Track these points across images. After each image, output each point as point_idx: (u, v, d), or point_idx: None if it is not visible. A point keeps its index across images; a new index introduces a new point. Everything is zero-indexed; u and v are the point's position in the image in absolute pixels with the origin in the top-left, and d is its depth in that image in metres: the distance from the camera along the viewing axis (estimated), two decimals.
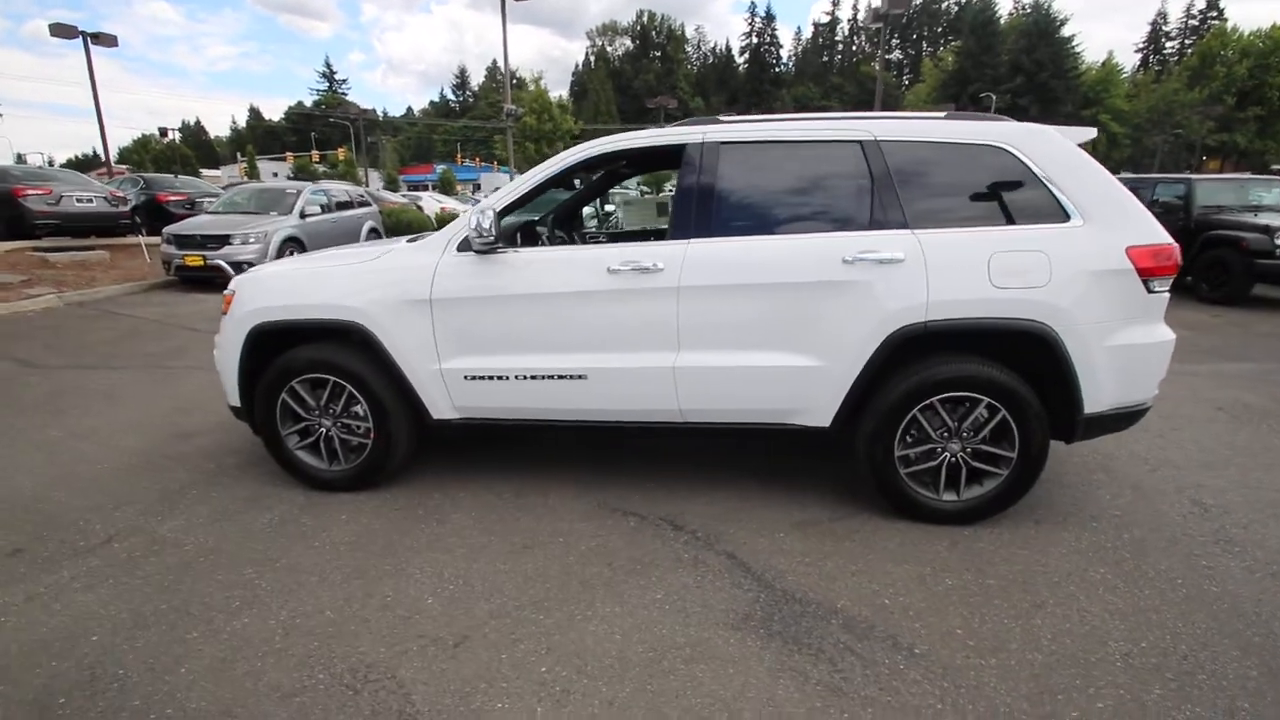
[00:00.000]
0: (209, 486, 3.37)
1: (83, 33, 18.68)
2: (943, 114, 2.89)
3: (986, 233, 2.68)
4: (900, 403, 2.76)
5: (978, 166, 2.75)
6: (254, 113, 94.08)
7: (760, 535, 2.82)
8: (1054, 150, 2.73)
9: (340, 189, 13.28)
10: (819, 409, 2.84)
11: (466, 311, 2.93)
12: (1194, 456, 3.69)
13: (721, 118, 2.96)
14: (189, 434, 4.12)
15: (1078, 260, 2.63)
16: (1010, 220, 2.71)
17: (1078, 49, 56.40)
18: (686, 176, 2.87)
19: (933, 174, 2.76)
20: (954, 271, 2.64)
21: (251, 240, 10.10)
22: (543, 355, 2.92)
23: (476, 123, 73.60)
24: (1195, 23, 68.83)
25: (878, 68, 50.46)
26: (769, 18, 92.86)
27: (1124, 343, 2.68)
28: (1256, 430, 4.11)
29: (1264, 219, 8.51)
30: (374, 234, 13.33)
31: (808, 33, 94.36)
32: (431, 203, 23.15)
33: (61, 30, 18.56)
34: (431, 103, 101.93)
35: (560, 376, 2.92)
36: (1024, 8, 63.23)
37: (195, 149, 78.89)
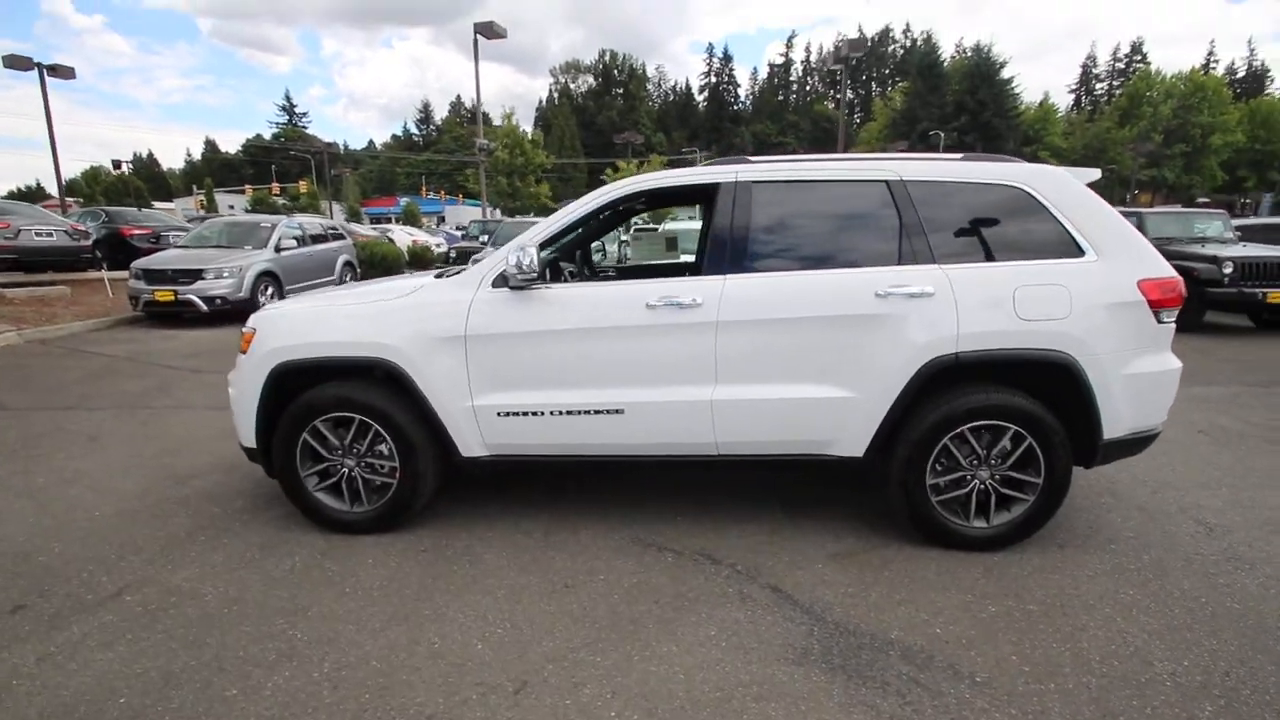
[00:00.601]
0: (218, 532, 3.22)
1: (39, 64, 18.17)
2: (959, 155, 3.05)
3: (1009, 267, 2.81)
4: (931, 432, 2.83)
5: (997, 205, 2.90)
6: (210, 145, 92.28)
7: (799, 568, 2.83)
8: (1066, 189, 2.90)
9: (315, 222, 13.11)
10: (852, 439, 2.89)
11: (502, 347, 2.92)
12: (1188, 478, 3.86)
13: (750, 158, 3.06)
14: (185, 477, 3.95)
15: (1095, 293, 2.77)
16: (1030, 256, 2.85)
17: (1017, 90, 59.80)
18: (720, 214, 2.94)
19: (956, 212, 2.90)
20: (981, 305, 2.76)
21: (226, 275, 9.85)
22: (580, 390, 2.92)
23: (441, 156, 73.74)
24: (1122, 65, 73.95)
25: (832, 107, 52.57)
26: (726, 58, 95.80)
27: (1139, 371, 2.83)
28: (1237, 451, 4.33)
29: (1210, 249, 9.08)
30: (349, 268, 13.15)
31: (764, 73, 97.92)
32: (403, 235, 22.98)
33: (16, 62, 18.03)
34: (394, 136, 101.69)
35: (597, 412, 2.92)
36: (965, 51, 66.98)
37: (148, 181, 76.77)
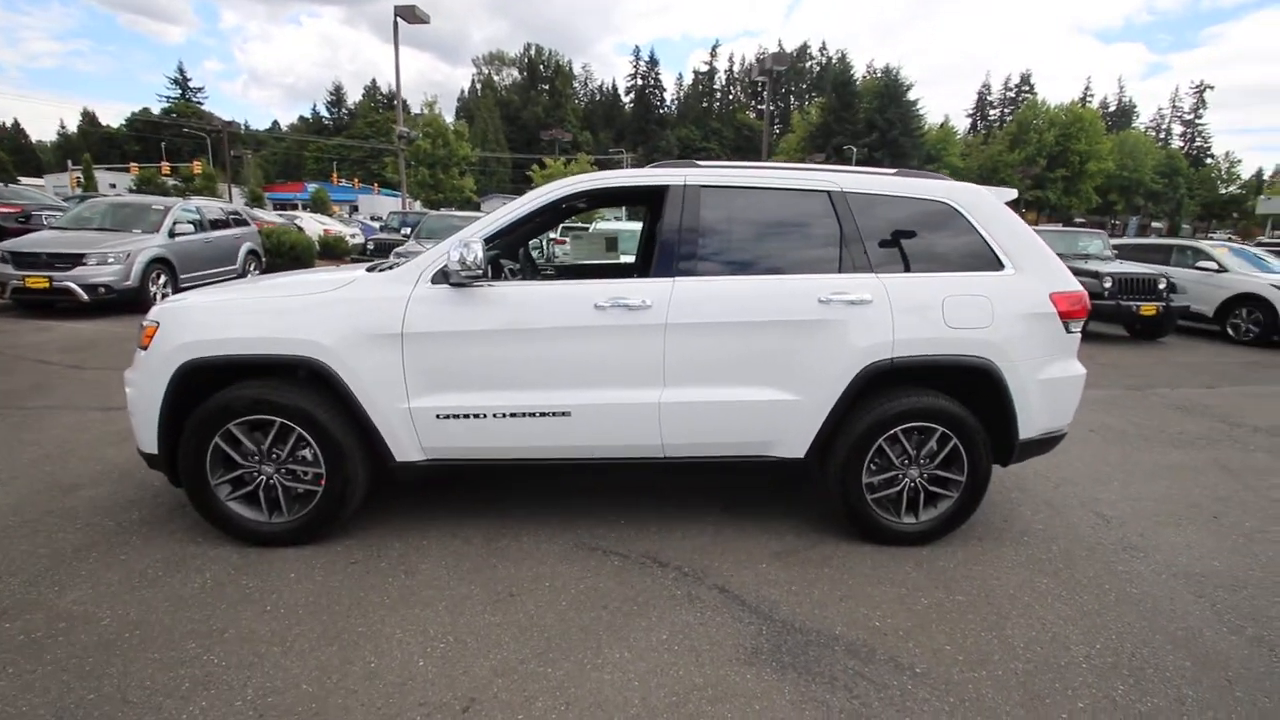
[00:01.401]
0: (113, 548, 2.90)
1: None
2: (893, 171, 3.18)
3: (939, 278, 2.96)
4: (867, 433, 2.94)
5: (927, 219, 3.05)
6: (88, 117, 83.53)
7: (744, 567, 2.86)
8: (988, 207, 3.09)
9: (215, 206, 12.12)
10: (795, 441, 2.96)
11: (443, 347, 2.78)
12: (1084, 473, 4.22)
13: (699, 162, 3.07)
14: (71, 486, 3.54)
15: (1013, 304, 2.97)
16: (955, 268, 3.01)
17: (921, 111, 63.84)
18: (670, 217, 2.93)
19: (890, 224, 3.02)
20: (915, 312, 2.89)
21: (111, 261, 8.94)
22: (525, 392, 2.83)
23: (355, 142, 70.24)
24: (1012, 95, 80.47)
25: (754, 117, 54.08)
26: (653, 62, 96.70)
27: (1050, 376, 3.05)
28: (1123, 449, 4.78)
29: (1092, 265, 10.01)
30: (253, 256, 12.27)
31: (689, 79, 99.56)
32: (313, 224, 21.66)
33: None
34: (302, 118, 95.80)
35: (542, 414, 2.84)
36: (875, 72, 70.81)
37: (12, 154, 68.74)
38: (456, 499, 3.47)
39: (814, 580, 2.77)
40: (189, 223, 10.53)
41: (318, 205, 46.55)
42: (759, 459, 3.01)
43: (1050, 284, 3.05)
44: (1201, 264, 11.08)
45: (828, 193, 3.00)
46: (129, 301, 9.07)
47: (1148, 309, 9.49)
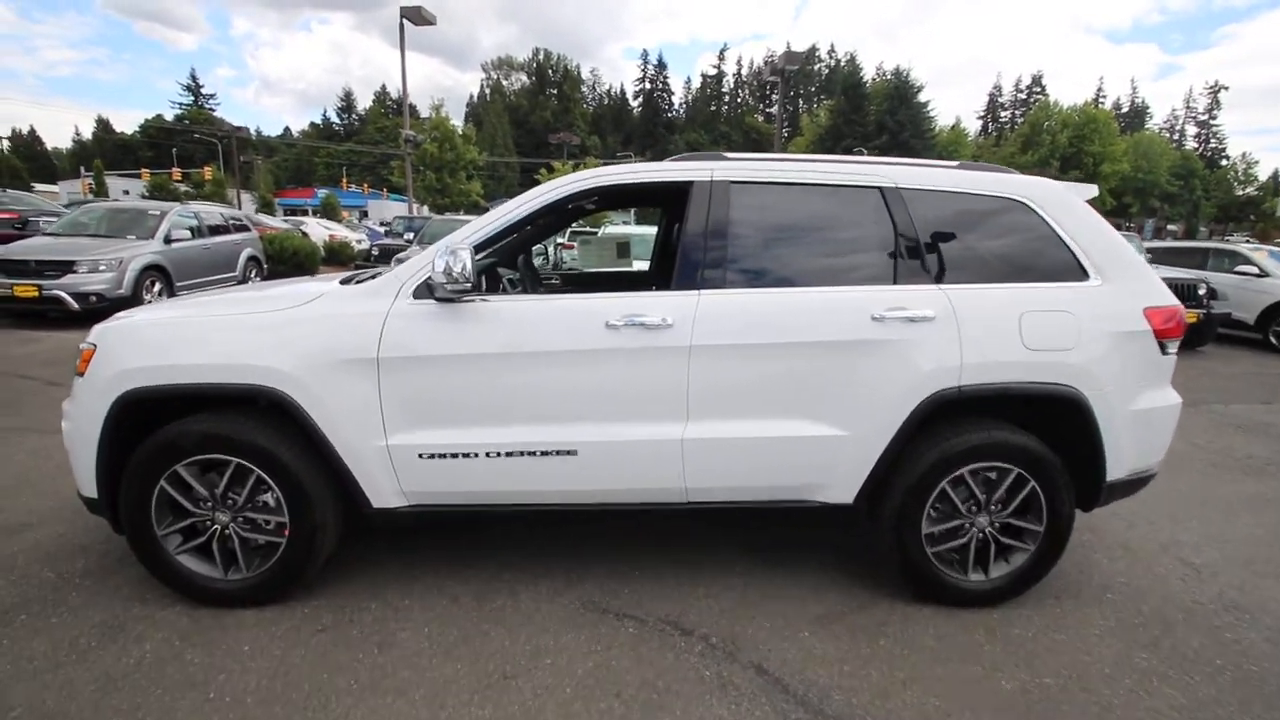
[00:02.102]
0: (47, 608, 2.49)
1: None
2: (955, 163, 2.73)
3: (1014, 290, 2.50)
4: (929, 474, 2.49)
5: (997, 219, 2.59)
6: (103, 124, 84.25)
7: (783, 637, 2.41)
8: (1068, 205, 2.63)
9: (214, 211, 11.81)
10: (842, 483, 2.51)
11: (427, 374, 2.35)
12: (1157, 508, 3.72)
13: (726, 154, 2.63)
14: (19, 526, 3.13)
15: (1102, 321, 2.51)
16: (1032, 278, 2.55)
17: (932, 113, 63.20)
18: (694, 219, 2.49)
19: (955, 225, 2.57)
20: (987, 331, 2.43)
21: (103, 268, 8.59)
22: (524, 427, 2.39)
23: (365, 147, 70.43)
24: (1024, 96, 79.58)
25: (762, 120, 53.67)
26: (661, 66, 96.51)
27: (1144, 406, 2.58)
28: (1190, 477, 4.28)
29: None
30: (253, 262, 11.94)
31: (697, 83, 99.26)
32: (318, 229, 21.37)
33: None
34: (313, 124, 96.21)
35: (544, 453, 2.40)
36: (885, 74, 70.18)
37: (28, 161, 69.45)
38: (445, 545, 3.03)
39: (869, 657, 2.31)
40: (186, 228, 10.20)
41: (328, 211, 46.61)
42: (799, 504, 2.56)
43: (1144, 297, 2.58)
44: (1241, 268, 10.49)
45: (879, 189, 2.55)
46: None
47: (1189, 316, 8.94)
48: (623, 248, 5.23)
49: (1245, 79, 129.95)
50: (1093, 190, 2.79)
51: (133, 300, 8.80)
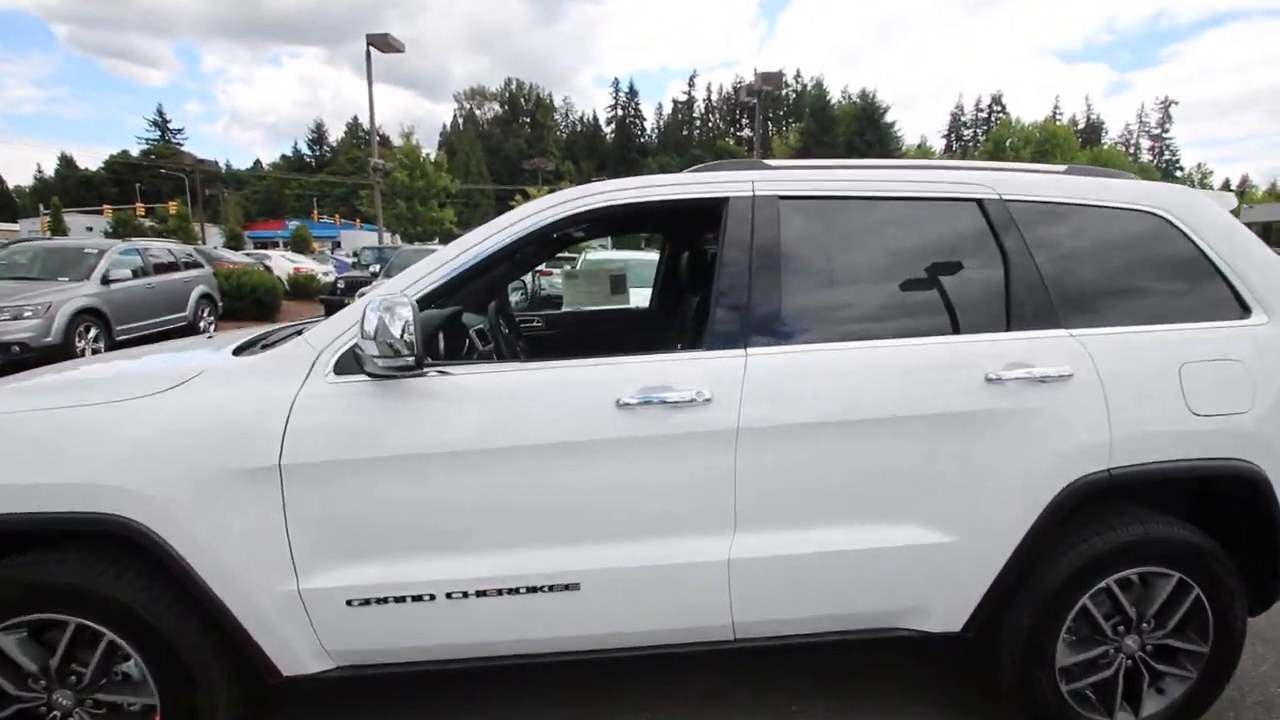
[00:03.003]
0: None
1: None
2: (1063, 168, 2.10)
3: (1168, 334, 1.85)
4: (1066, 588, 1.81)
5: (1131, 238, 1.96)
6: (66, 161, 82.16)
7: None
8: (1216, 221, 1.99)
9: (162, 248, 10.95)
10: (949, 606, 1.82)
11: (357, 484, 1.62)
12: None
13: (768, 161, 1.96)
14: None
15: (1276, 374, 1.86)
16: (1183, 316, 1.91)
17: (899, 133, 64.35)
18: (733, 250, 1.81)
19: (1079, 247, 1.92)
20: (1142, 392, 1.78)
21: (28, 314, 7.67)
22: (503, 555, 1.67)
23: (336, 178, 69.54)
24: (984, 115, 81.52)
25: (733, 143, 54.04)
26: (632, 93, 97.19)
27: None
28: None
29: None
30: (206, 301, 11.07)
31: (668, 108, 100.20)
32: (283, 262, 20.41)
33: None
34: (284, 156, 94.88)
35: (533, 589, 1.67)
36: (850, 97, 71.35)
37: None
38: (376, 708, 2.25)
39: None
40: (127, 268, 9.31)
41: (298, 242, 45.67)
42: (886, 634, 1.86)
43: None
44: None
45: (978, 201, 1.90)
46: (52, 360, 7.81)
47: None
48: (617, 281, 4.44)
49: (1195, 93, 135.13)
50: (1232, 200, 2.17)
51: (63, 349, 7.90)
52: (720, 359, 1.73)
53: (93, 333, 8.48)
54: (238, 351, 1.89)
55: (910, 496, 1.75)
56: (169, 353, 2.16)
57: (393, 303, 1.50)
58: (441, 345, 1.98)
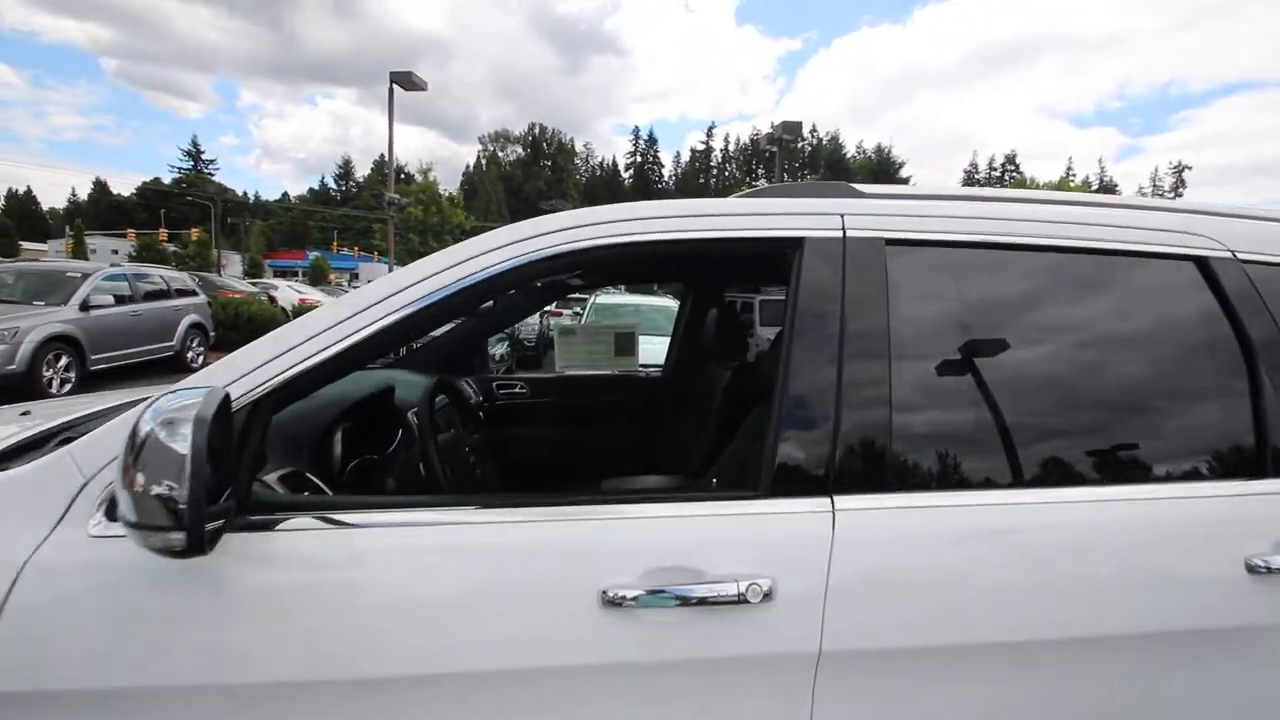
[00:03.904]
0: None
1: None
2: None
3: None
4: None
5: None
6: (99, 186, 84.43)
7: None
8: None
9: (155, 273, 10.46)
10: None
11: None
12: None
13: (859, 186, 1.25)
14: None
15: None
16: None
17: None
18: (809, 321, 1.08)
19: None
20: None
21: None
22: None
23: (357, 212, 70.76)
24: (999, 173, 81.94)
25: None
26: (651, 141, 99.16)
27: None
28: None
29: None
30: (197, 330, 10.53)
31: (686, 157, 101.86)
32: (289, 292, 20.04)
33: None
34: (311, 190, 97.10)
35: None
36: (865, 152, 71.97)
37: (20, 220, 68.91)
38: None
39: None
40: (109, 294, 8.79)
41: (316, 273, 46.27)
42: None
43: None
44: None
45: (1198, 260, 1.18)
46: (16, 389, 7.20)
47: None
48: (624, 341, 3.42)
49: (1204, 159, 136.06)
50: None
51: (28, 378, 7.31)
52: (786, 515, 0.99)
53: (63, 361, 7.90)
54: (18, 451, 1.18)
55: None
56: None
57: (172, 413, 0.77)
58: (337, 454, 1.25)
